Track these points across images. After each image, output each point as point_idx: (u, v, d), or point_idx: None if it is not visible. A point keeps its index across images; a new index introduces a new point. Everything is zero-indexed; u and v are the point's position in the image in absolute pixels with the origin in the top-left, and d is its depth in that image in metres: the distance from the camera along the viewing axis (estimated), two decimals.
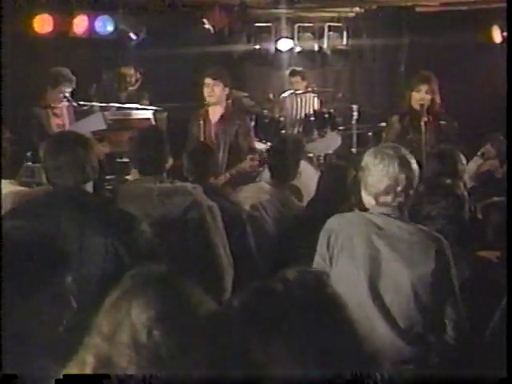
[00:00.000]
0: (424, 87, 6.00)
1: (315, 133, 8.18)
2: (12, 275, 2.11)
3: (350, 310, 1.75)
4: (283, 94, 8.82)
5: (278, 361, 1.65)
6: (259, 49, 10.08)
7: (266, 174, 5.53)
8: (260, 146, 7.35)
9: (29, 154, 5.42)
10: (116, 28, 8.55)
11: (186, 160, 4.85)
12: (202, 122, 6.30)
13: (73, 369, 1.81)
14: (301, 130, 8.43)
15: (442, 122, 6.04)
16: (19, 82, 7.17)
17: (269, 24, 10.04)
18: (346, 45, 10.09)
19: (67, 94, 6.71)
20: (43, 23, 7.89)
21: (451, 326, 3.23)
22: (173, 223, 4.05)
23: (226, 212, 4.37)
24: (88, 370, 1.77)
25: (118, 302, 1.80)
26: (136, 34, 8.73)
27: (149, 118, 6.93)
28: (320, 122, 8.24)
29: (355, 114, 8.47)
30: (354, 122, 8.50)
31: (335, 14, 10.19)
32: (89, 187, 3.45)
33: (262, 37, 10.02)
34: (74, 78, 6.79)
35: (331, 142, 8.33)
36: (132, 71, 8.42)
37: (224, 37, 9.70)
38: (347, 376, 1.62)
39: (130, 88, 8.41)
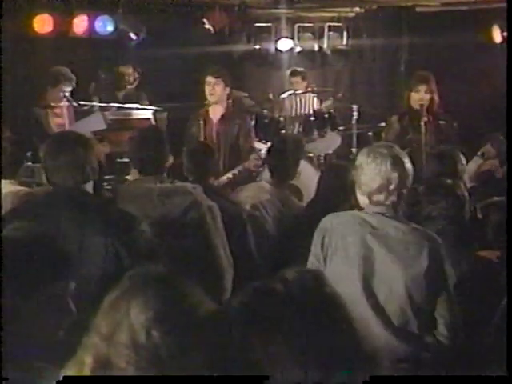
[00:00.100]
0: (423, 87, 6.00)
1: (315, 133, 8.17)
2: (12, 275, 2.11)
3: (349, 309, 1.75)
4: (283, 94, 8.82)
5: (278, 361, 1.65)
6: (259, 49, 10.07)
7: (266, 173, 5.53)
8: (260, 145, 7.35)
9: (29, 153, 5.42)
10: (116, 28, 8.55)
11: (186, 160, 4.85)
12: (202, 122, 6.30)
13: (71, 369, 1.81)
14: (301, 129, 8.42)
15: (441, 122, 6.05)
16: (19, 81, 7.19)
17: (269, 24, 10.04)
18: (346, 45, 10.09)
19: (67, 94, 6.71)
20: (43, 23, 7.89)
21: (444, 325, 3.23)
22: (173, 223, 4.05)
23: (226, 212, 4.37)
24: (86, 371, 1.77)
25: (117, 302, 1.79)
26: (136, 34, 8.73)
27: (149, 118, 6.93)
28: (320, 122, 8.23)
29: (355, 113, 8.46)
30: (353, 122, 8.49)
31: (335, 14, 10.19)
32: (89, 187, 3.45)
33: (262, 37, 10.02)
34: (73, 77, 6.80)
35: (331, 141, 8.33)
36: (130, 70, 8.42)
37: (224, 37, 9.70)
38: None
39: (129, 87, 8.41)
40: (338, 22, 10.13)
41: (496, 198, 4.49)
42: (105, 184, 5.58)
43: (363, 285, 3.22)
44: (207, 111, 6.42)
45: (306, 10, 10.04)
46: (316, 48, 10.16)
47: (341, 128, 8.48)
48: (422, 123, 5.87)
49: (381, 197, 3.28)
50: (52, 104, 6.78)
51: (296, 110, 9.06)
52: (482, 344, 3.26)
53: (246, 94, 8.91)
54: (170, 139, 4.43)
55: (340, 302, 1.75)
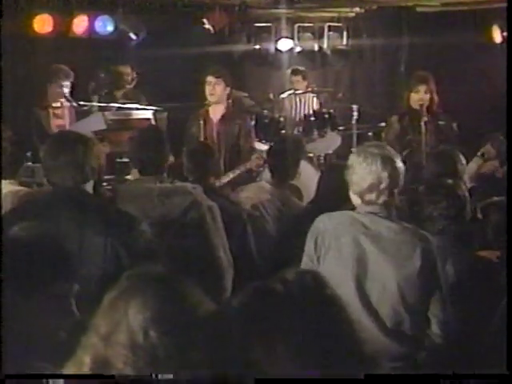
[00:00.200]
0: (422, 87, 6.01)
1: (315, 133, 8.16)
2: (12, 275, 2.11)
3: (348, 310, 1.75)
4: (283, 94, 8.82)
5: (278, 360, 1.65)
6: (259, 49, 10.07)
7: (267, 173, 5.53)
8: (260, 146, 7.35)
9: (29, 153, 5.42)
10: (116, 28, 8.55)
11: (186, 160, 4.85)
12: (202, 122, 6.30)
13: (70, 369, 1.80)
14: (301, 130, 8.42)
15: (441, 123, 6.05)
16: (19, 82, 7.19)
17: (269, 24, 10.03)
18: (346, 45, 10.08)
19: (66, 90, 6.70)
20: (43, 23, 7.89)
21: (437, 324, 3.23)
22: (173, 223, 4.05)
23: (226, 212, 4.37)
24: (85, 371, 1.76)
25: (116, 302, 1.79)
26: (136, 34, 8.73)
27: (149, 118, 6.92)
28: (320, 122, 8.23)
29: (355, 114, 8.46)
30: (354, 122, 8.49)
31: (335, 14, 10.18)
32: (89, 187, 3.45)
33: (262, 37, 10.01)
34: (71, 72, 6.79)
35: (331, 142, 8.32)
36: (129, 70, 8.41)
37: (224, 37, 9.70)
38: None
39: (127, 86, 8.40)
40: (338, 22, 10.13)
41: (496, 198, 4.49)
42: (105, 184, 5.57)
43: (356, 285, 3.23)
44: (207, 111, 6.42)
45: (306, 10, 10.03)
46: (316, 48, 10.15)
47: (341, 128, 8.47)
48: (422, 123, 5.87)
49: (372, 196, 3.29)
50: (52, 104, 6.78)
51: (296, 110, 9.06)
52: (481, 344, 3.26)
53: (246, 94, 8.91)
54: (170, 139, 4.43)
55: (339, 303, 1.76)
